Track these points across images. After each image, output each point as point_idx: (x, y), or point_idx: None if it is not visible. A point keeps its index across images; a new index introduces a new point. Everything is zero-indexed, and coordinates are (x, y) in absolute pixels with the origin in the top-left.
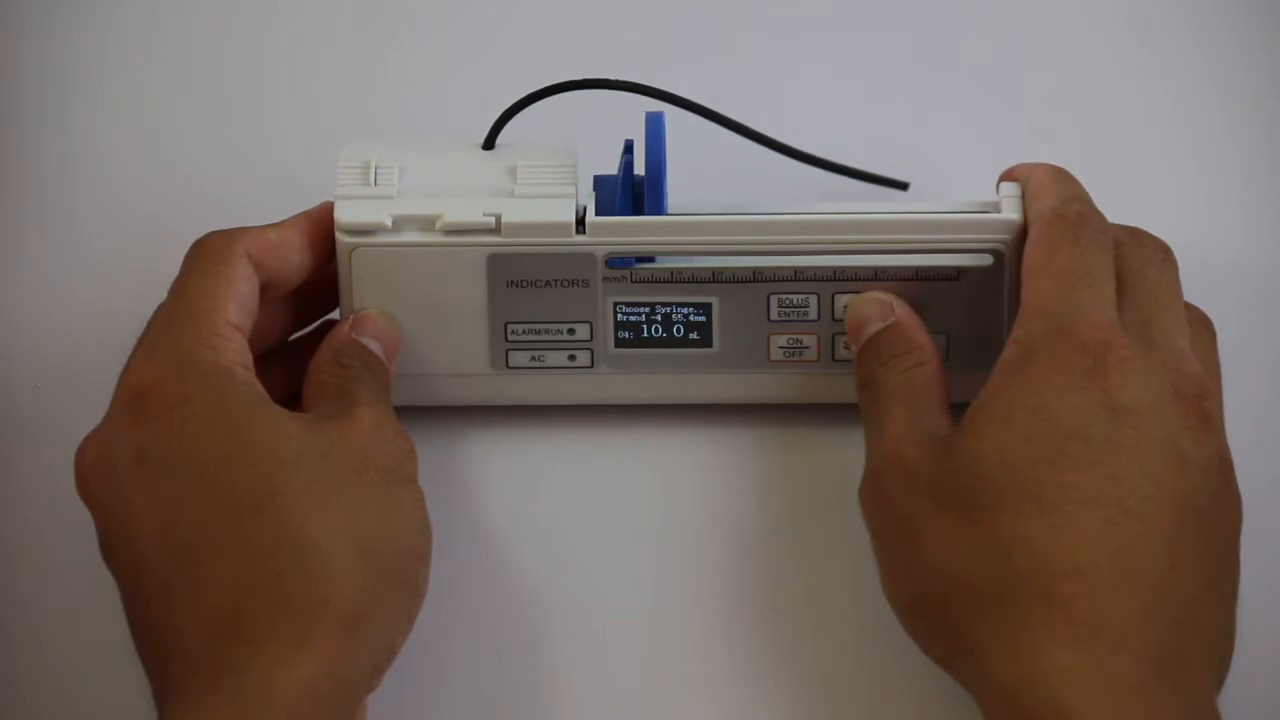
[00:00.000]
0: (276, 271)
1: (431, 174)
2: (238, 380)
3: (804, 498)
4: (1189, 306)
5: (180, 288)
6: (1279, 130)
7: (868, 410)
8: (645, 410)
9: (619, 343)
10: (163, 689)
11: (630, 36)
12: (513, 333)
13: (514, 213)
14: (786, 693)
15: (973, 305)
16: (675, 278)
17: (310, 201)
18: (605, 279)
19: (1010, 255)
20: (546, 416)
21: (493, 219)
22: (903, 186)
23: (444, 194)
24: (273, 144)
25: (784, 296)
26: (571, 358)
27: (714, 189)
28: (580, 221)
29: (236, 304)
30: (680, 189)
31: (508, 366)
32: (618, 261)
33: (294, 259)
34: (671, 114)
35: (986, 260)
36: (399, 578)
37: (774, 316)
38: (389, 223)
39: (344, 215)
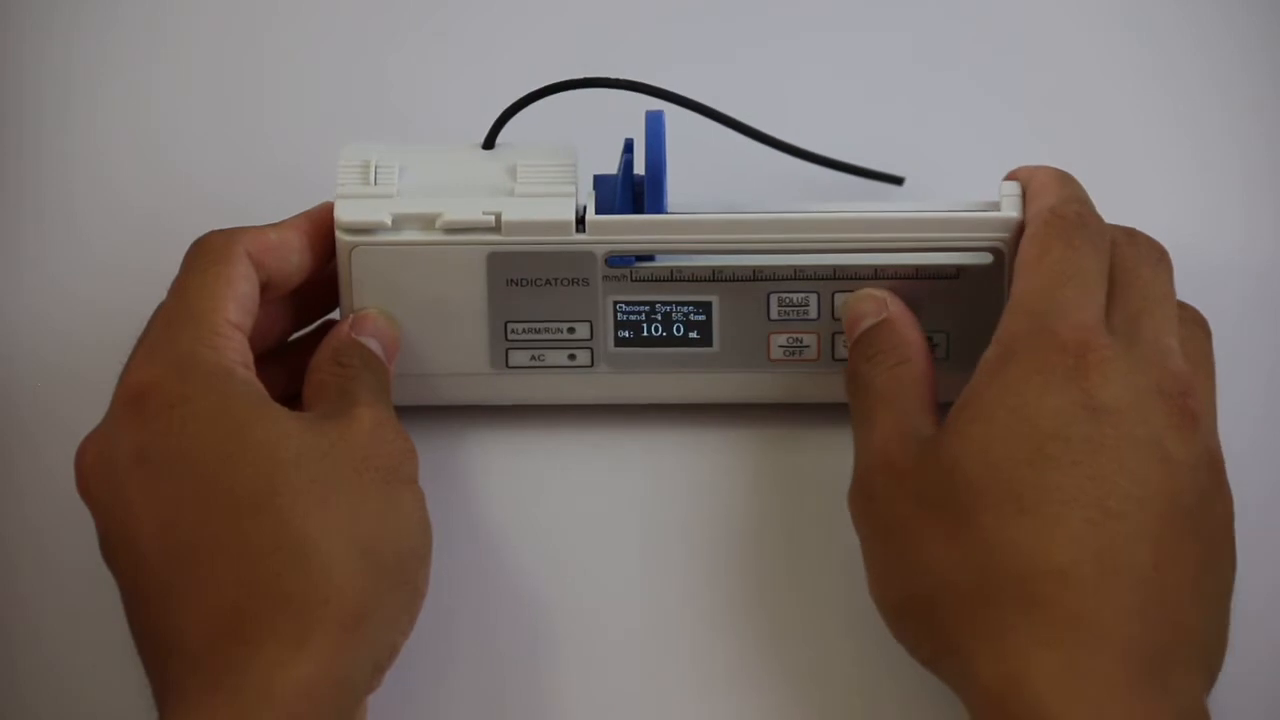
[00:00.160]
0: (276, 271)
1: (431, 173)
2: (238, 380)
3: (804, 497)
4: (1184, 306)
5: (180, 287)
6: (1279, 130)
7: (856, 408)
8: (645, 410)
9: (619, 342)
10: (163, 689)
11: (630, 36)
12: (513, 332)
13: (514, 211)
14: (787, 693)
15: (972, 304)
16: (675, 276)
17: (310, 201)
18: (605, 278)
19: (1010, 254)
20: (546, 416)
21: (493, 218)
22: (898, 181)
23: (444, 193)
24: (273, 144)
25: (784, 295)
26: (571, 357)
27: (714, 188)
28: (580, 220)
29: (237, 303)
30: (680, 188)
31: (508, 366)
32: (618, 260)
33: (294, 258)
34: (671, 113)
35: (986, 259)
36: (399, 577)
37: (774, 315)
38: (389, 222)
39: (344, 214)
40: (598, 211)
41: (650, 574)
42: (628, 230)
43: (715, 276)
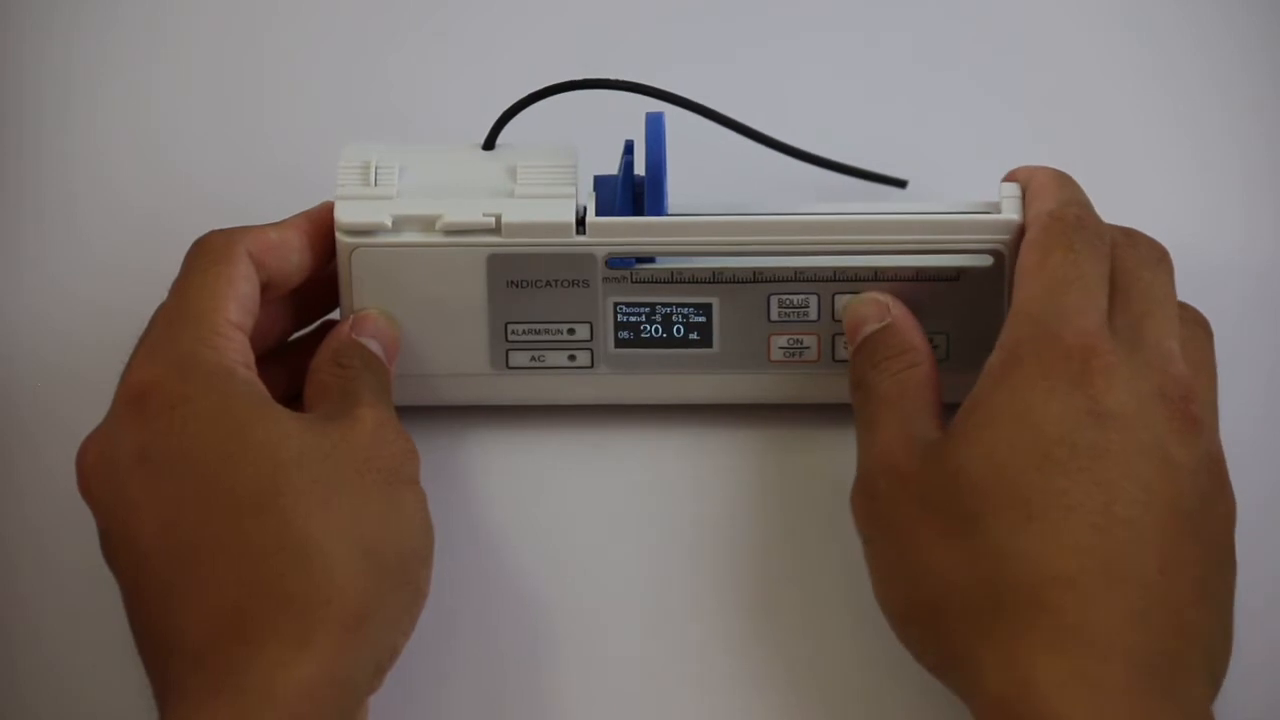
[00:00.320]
0: (277, 271)
1: (431, 174)
2: (239, 380)
3: (804, 498)
4: (1185, 307)
5: (181, 287)
6: (1279, 130)
7: (860, 412)
8: (645, 410)
9: (619, 343)
10: (164, 689)
11: (630, 36)
12: (513, 333)
13: (514, 213)
14: (788, 694)
15: (973, 306)
16: (675, 278)
17: (311, 201)
18: (605, 279)
19: (1010, 256)
20: (547, 416)
21: (493, 219)
22: (901, 184)
23: (444, 194)
24: (273, 144)
25: (784, 297)
26: (571, 358)
27: (714, 189)
28: (580, 222)
29: (237, 303)
30: (680, 189)
31: (508, 366)
32: (618, 262)
33: (294, 258)
34: (672, 114)
35: (986, 261)
36: (401, 578)
37: (774, 317)
38: (389, 223)
39: (344, 215)
40: (598, 213)
41: (650, 574)
42: (628, 232)
43: (715, 278)
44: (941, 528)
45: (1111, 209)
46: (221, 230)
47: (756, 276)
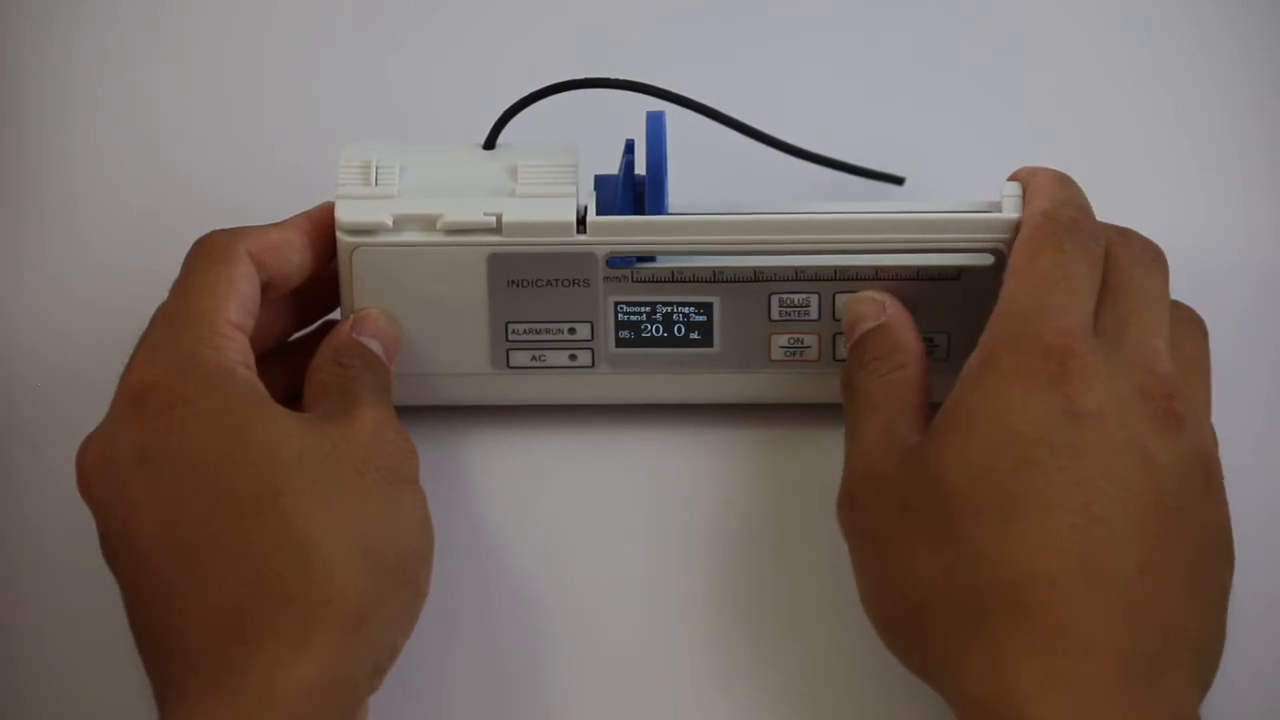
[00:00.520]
0: (277, 271)
1: (432, 174)
2: (239, 380)
3: (804, 498)
4: (1179, 306)
5: (181, 287)
6: (1279, 130)
7: (847, 414)
8: (645, 410)
9: (620, 342)
10: (164, 688)
11: (630, 36)
12: (513, 332)
13: (515, 212)
14: (787, 694)
15: (973, 305)
16: (676, 277)
17: (311, 201)
18: (606, 278)
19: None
20: (547, 416)
21: (493, 218)
22: (898, 181)
23: (445, 194)
24: (273, 144)
25: (785, 296)
26: (572, 357)
27: (715, 188)
28: (581, 221)
29: (238, 303)
30: (681, 188)
31: (508, 366)
32: (618, 261)
33: (295, 258)
34: (672, 113)
35: (987, 260)
36: (401, 578)
37: (775, 316)
38: (390, 222)
39: (345, 215)
40: (599, 212)
41: (650, 574)
42: (629, 231)
43: (716, 277)
44: (921, 531)
45: (1111, 209)
46: (222, 230)
47: (757, 276)
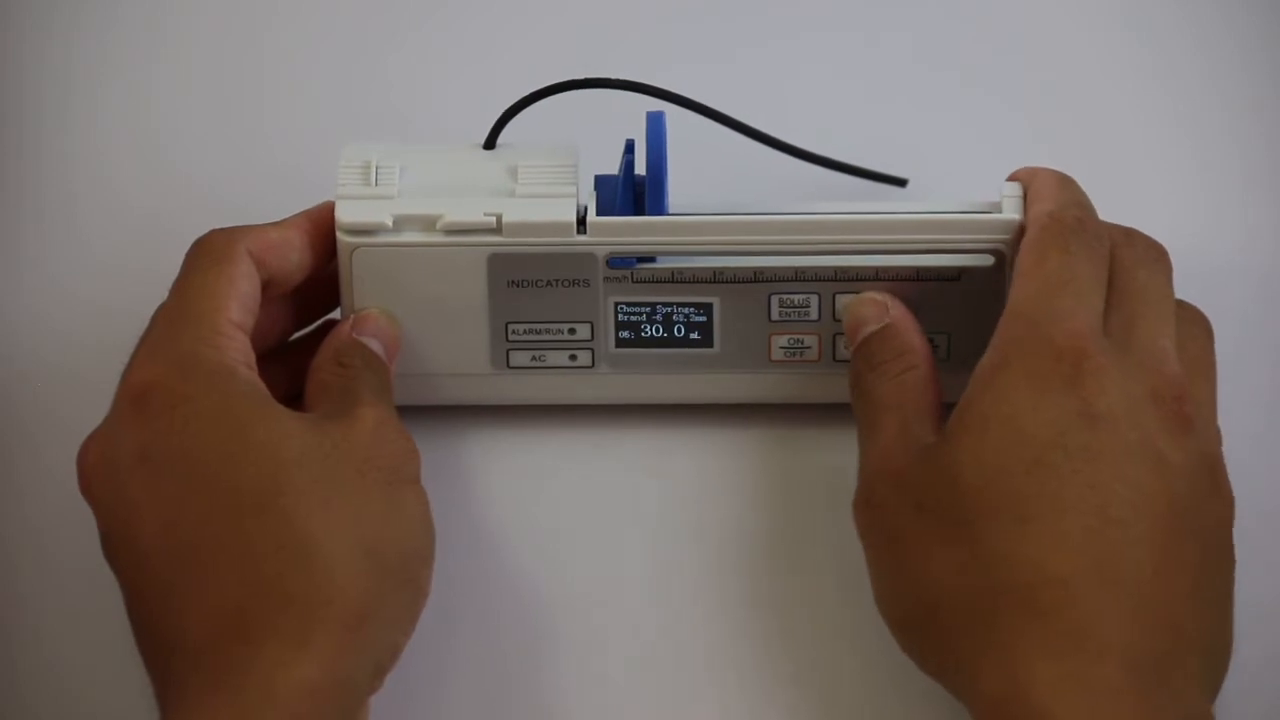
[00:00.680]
0: (278, 270)
1: (432, 174)
2: (240, 379)
3: (804, 498)
4: (1184, 306)
5: (182, 287)
6: (1279, 130)
7: (859, 416)
8: (645, 410)
9: (620, 343)
10: (164, 688)
11: (630, 36)
12: (513, 332)
13: (515, 212)
14: (788, 694)
15: (973, 305)
16: (676, 278)
17: (311, 201)
18: (606, 279)
19: (1011, 256)
20: (547, 416)
21: (494, 219)
22: (901, 183)
23: (445, 194)
24: (273, 144)
25: (785, 296)
26: (572, 357)
27: (715, 188)
28: (581, 221)
29: (239, 303)
30: (681, 189)
31: (508, 366)
32: (619, 261)
33: (295, 257)
34: (672, 113)
35: (987, 260)
36: (402, 578)
37: (775, 316)
38: (390, 223)
39: (345, 215)
40: (599, 212)
41: (651, 574)
42: (629, 231)
43: (716, 278)
44: (937, 531)
45: (1111, 209)
46: (222, 230)
47: (757, 276)
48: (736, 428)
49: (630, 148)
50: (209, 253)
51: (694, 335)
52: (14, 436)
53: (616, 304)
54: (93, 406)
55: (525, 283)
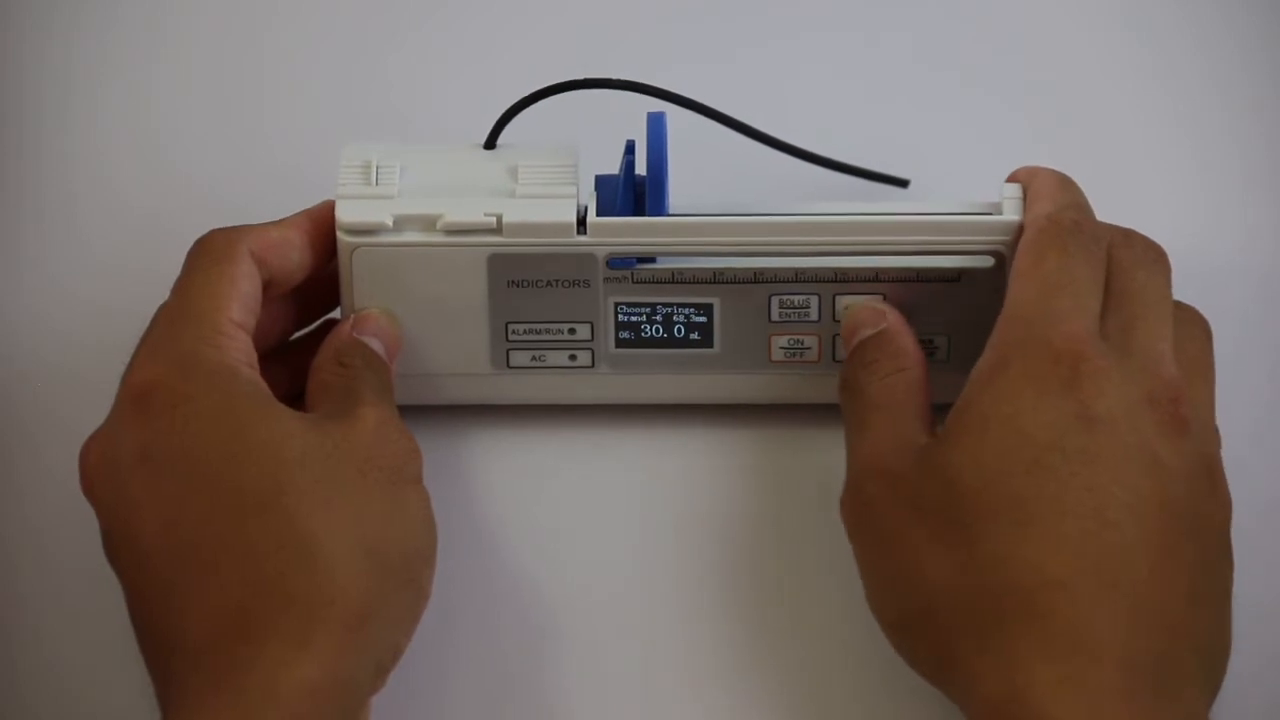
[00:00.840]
0: (278, 269)
1: (432, 174)
2: (242, 379)
3: (804, 498)
4: (1183, 307)
5: (183, 286)
6: (1279, 130)
7: (849, 415)
8: (645, 410)
9: (620, 343)
10: (166, 688)
11: (630, 36)
12: (513, 332)
13: (515, 213)
14: (789, 694)
15: (973, 306)
16: (676, 278)
17: (311, 201)
18: (606, 279)
19: (1011, 257)
20: (547, 416)
21: (494, 219)
22: (903, 184)
23: (445, 194)
24: (273, 144)
25: (785, 297)
26: (572, 357)
27: (715, 189)
28: (581, 222)
29: (240, 302)
30: (682, 189)
31: (508, 366)
32: (619, 262)
33: (295, 256)
34: (673, 114)
35: (987, 262)
36: (404, 578)
37: (775, 317)
38: (390, 222)
39: (345, 215)
40: (599, 213)
41: (651, 574)
42: (629, 232)
43: (716, 278)
44: (933, 533)
45: (1111, 209)
46: (223, 229)
47: (757, 277)
48: (736, 428)
49: (630, 148)
50: (210, 252)
51: (694, 336)
52: (14, 436)
53: (616, 304)
54: (93, 406)
55: (525, 283)
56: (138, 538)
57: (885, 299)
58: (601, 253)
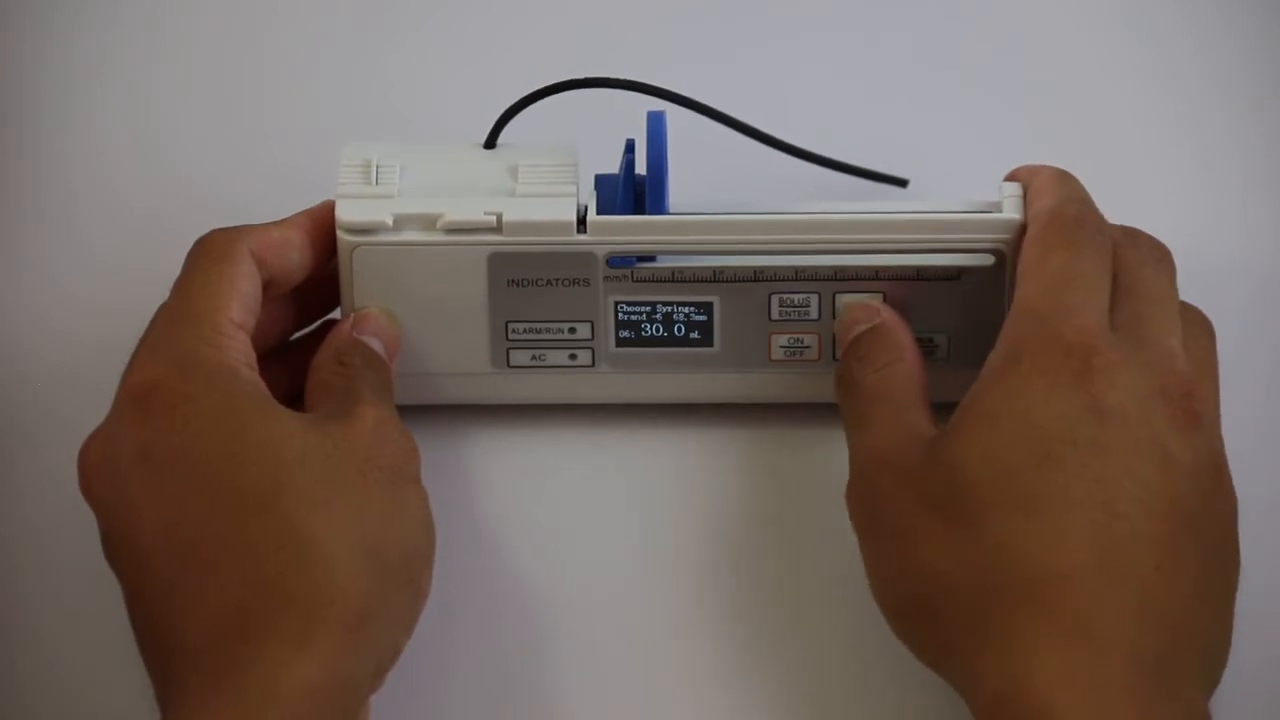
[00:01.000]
0: (278, 269)
1: (432, 173)
2: (242, 379)
3: (804, 497)
4: (1186, 306)
5: (183, 286)
6: (1279, 130)
7: (848, 409)
8: (645, 410)
9: (620, 342)
10: (165, 688)
11: (630, 36)
12: (514, 332)
13: (515, 212)
14: (790, 691)
15: (974, 305)
16: (676, 277)
17: (310, 201)
18: (606, 278)
19: (1011, 255)
20: (547, 415)
21: (494, 218)
22: (902, 184)
23: (445, 193)
24: (273, 144)
25: (785, 296)
26: (572, 357)
27: (715, 188)
28: (581, 221)
29: (240, 302)
30: (682, 188)
31: (508, 365)
32: (619, 261)
33: (295, 256)
34: (673, 113)
35: (988, 260)
36: (404, 577)
37: (775, 316)
38: (390, 222)
39: (345, 214)
40: (599, 212)
41: (651, 573)
42: (629, 231)
43: (716, 277)
44: (939, 523)
45: (1112, 209)
46: (223, 229)
47: (757, 276)
48: (737, 427)
49: (631, 147)
50: (210, 252)
51: (694, 335)
52: (14, 436)
53: (617, 303)
54: (93, 406)
55: (525, 282)
56: (137, 538)
57: (885, 297)
58: (601, 252)
